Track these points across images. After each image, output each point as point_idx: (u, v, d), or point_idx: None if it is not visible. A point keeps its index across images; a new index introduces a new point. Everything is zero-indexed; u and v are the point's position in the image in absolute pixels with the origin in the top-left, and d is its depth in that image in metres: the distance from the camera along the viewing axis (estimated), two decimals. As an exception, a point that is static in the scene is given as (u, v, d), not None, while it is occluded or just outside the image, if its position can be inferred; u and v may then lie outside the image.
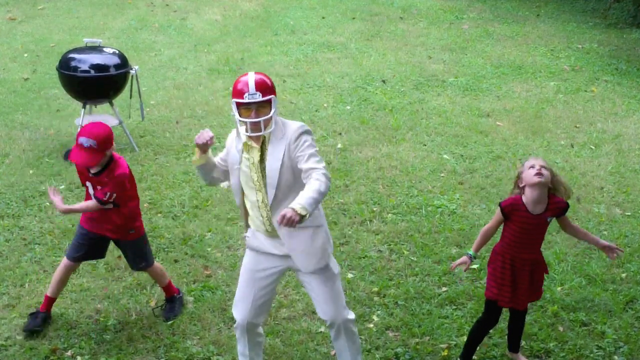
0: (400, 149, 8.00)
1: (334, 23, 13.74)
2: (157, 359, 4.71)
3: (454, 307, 5.29)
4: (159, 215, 6.49)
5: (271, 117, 3.87)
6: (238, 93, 3.84)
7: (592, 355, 4.80)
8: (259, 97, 3.81)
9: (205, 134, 3.93)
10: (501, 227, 4.48)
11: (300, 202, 3.56)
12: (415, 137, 8.37)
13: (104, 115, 8.24)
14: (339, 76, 10.52)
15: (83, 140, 4.55)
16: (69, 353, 4.72)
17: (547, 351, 4.83)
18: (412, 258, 5.90)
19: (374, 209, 6.69)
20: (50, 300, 5.00)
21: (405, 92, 9.98)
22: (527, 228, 4.38)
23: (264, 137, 3.92)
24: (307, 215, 3.54)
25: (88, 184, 4.81)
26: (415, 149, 8.04)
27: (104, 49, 7.89)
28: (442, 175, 7.44)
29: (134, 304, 5.21)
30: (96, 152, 4.56)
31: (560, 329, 5.05)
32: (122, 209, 4.80)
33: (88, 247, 4.94)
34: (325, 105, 9.34)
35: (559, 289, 5.48)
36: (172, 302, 5.20)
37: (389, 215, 6.59)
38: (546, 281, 5.59)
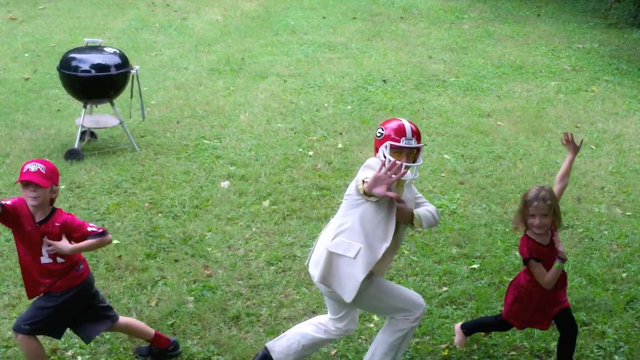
0: (401, 148, 7.99)
1: (335, 23, 13.74)
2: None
3: (454, 307, 5.28)
4: (160, 215, 6.50)
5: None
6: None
7: (592, 355, 4.79)
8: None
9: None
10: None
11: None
12: (415, 137, 8.36)
13: (104, 115, 8.25)
14: (340, 76, 10.52)
15: (30, 165, 4.23)
16: (69, 353, 4.72)
17: (547, 351, 4.82)
18: (412, 258, 5.90)
19: (375, 208, 6.68)
20: None
21: (406, 92, 9.99)
22: (549, 261, 4.27)
23: None
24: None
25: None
26: (415, 148, 8.04)
27: (105, 49, 7.90)
28: (443, 175, 7.43)
29: (134, 304, 5.21)
30: (44, 177, 4.18)
31: (561, 328, 5.05)
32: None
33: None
34: (326, 105, 9.34)
35: (559, 288, 5.48)
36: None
37: (390, 215, 6.58)
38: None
